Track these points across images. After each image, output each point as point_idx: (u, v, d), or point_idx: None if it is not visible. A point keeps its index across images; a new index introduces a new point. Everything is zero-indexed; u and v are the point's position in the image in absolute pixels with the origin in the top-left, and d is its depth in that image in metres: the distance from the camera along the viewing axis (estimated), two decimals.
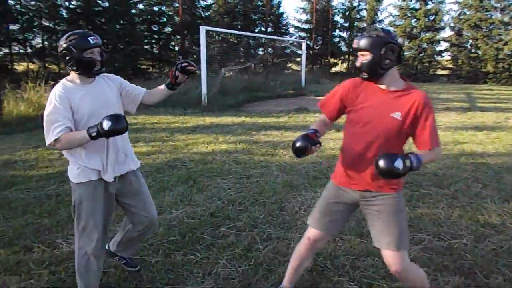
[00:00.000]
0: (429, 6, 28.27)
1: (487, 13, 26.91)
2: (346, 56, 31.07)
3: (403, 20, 28.89)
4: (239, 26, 24.13)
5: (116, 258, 2.67)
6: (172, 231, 3.29)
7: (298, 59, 26.10)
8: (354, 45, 1.97)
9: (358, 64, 1.96)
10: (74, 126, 2.09)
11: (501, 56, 26.26)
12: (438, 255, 2.95)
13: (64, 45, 2.08)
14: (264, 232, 3.31)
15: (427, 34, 28.38)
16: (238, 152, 6.03)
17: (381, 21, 30.26)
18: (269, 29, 26.66)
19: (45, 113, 2.07)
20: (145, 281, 2.60)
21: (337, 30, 30.66)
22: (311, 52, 28.23)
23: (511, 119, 9.80)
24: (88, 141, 2.03)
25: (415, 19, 28.58)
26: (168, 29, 22.41)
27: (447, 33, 29.29)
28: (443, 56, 29.79)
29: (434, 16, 28.15)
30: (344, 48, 30.87)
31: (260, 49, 24.21)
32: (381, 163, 1.77)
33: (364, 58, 1.92)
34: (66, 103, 2.06)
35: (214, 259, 2.88)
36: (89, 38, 2.09)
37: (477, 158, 5.77)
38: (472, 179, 4.77)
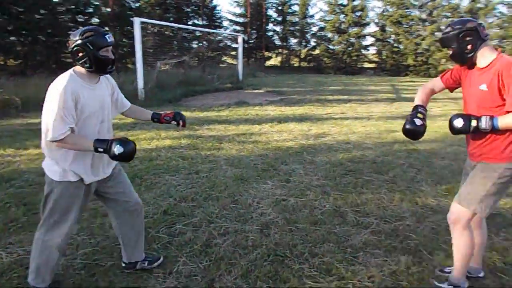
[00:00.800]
0: (355, 3, 29.74)
1: (407, 10, 29.01)
2: (280, 50, 31.71)
3: (333, 16, 30.12)
4: (171, 19, 23.48)
5: (138, 266, 2.61)
6: None
7: (233, 53, 26.12)
8: (441, 44, 2.27)
9: (449, 57, 2.26)
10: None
11: (420, 50, 28.54)
12: (386, 237, 3.16)
13: (79, 42, 2.01)
14: (221, 226, 3.30)
15: (354, 29, 29.88)
16: (183, 148, 5.90)
17: (312, 16, 31.31)
18: (203, 22, 26.30)
19: (53, 106, 1.96)
20: (102, 286, 2.46)
21: (270, 24, 31.15)
22: (246, 45, 28.33)
23: (433, 108, 10.71)
24: (88, 151, 2.05)
25: (343, 15, 29.93)
26: (95, 20, 21.10)
27: (372, 28, 31.16)
28: (369, 50, 31.63)
29: (360, 12, 29.70)
30: (278, 42, 31.46)
31: (195, 42, 23.82)
32: (450, 120, 2.17)
33: (451, 52, 2.22)
34: (74, 100, 2.00)
35: (173, 257, 2.81)
36: (106, 36, 2.05)
37: (409, 145, 6.23)
38: (407, 164, 5.15)
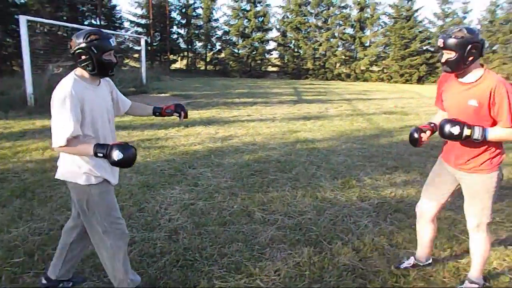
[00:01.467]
0: (258, 8, 30.78)
1: (305, 17, 30.94)
2: (185, 53, 31.36)
3: (237, 20, 30.76)
4: (65, 18, 21.70)
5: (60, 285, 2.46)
6: (16, 252, 2.84)
7: (135, 55, 25.08)
8: (439, 44, 2.17)
9: (443, 60, 2.20)
10: None
11: (318, 55, 30.73)
12: (290, 231, 3.34)
13: (83, 45, 1.99)
14: None
15: (258, 34, 30.88)
16: None
17: (216, 20, 31.53)
18: (101, 23, 24.78)
19: (58, 111, 1.96)
20: None
21: (175, 27, 30.62)
22: (149, 48, 27.49)
23: (330, 109, 11.60)
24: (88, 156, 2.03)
25: (247, 20, 30.75)
26: None
27: (274, 33, 32.42)
28: (272, 54, 32.96)
29: (262, 17, 30.82)
30: (183, 45, 31.06)
31: None
32: (445, 125, 2.19)
33: (449, 55, 2.16)
34: (79, 104, 1.98)
35: (75, 273, 2.61)
36: (110, 40, 2.04)
37: (309, 144, 6.67)
38: (308, 162, 5.50)
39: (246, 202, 3.95)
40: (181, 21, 30.61)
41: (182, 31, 30.92)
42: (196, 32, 30.80)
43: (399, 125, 8.86)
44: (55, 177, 2.20)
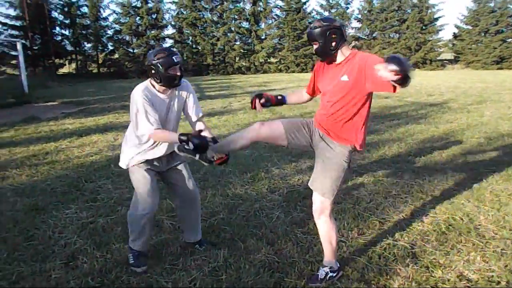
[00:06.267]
0: (150, 5, 29.61)
1: (200, 12, 30.65)
2: (74, 56, 28.86)
3: (128, 18, 29.20)
4: None
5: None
6: None
7: (13, 62, 22.29)
8: (306, 38, 2.39)
9: (314, 51, 2.37)
10: None
11: (217, 50, 30.73)
12: (203, 235, 3.17)
13: (153, 62, 2.44)
14: (12, 273, 2.70)
15: (152, 32, 29.77)
16: None
17: (105, 18, 29.57)
18: None
19: (136, 110, 2.47)
20: None
21: (57, 28, 27.91)
22: (29, 52, 24.69)
23: (234, 103, 11.63)
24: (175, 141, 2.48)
25: (139, 17, 29.39)
26: None
27: (170, 30, 31.59)
28: None
29: (156, 14, 29.75)
30: (69, 47, 28.53)
31: None
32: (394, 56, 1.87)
33: (316, 46, 2.33)
34: (151, 104, 2.49)
35: None
36: (173, 57, 2.46)
37: None
38: None
39: None
40: (64, 21, 28.04)
41: (66, 32, 28.33)
42: (84, 32, 28.49)
43: (299, 112, 9.21)
44: None
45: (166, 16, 30.80)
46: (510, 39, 31.29)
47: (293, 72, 30.38)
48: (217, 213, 3.63)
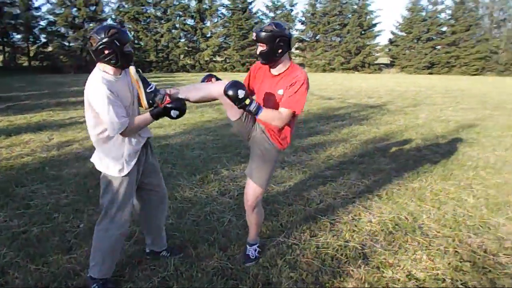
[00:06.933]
0: None
1: (143, 7, 29.57)
2: (0, 47, 26.49)
3: (63, 9, 27.37)
4: None
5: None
6: None
7: None
8: (253, 37, 2.35)
9: (258, 52, 2.38)
10: None
11: (160, 47, 29.84)
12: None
13: (106, 39, 2.13)
14: None
15: (91, 25, 28.14)
16: None
17: (38, 8, 27.50)
18: None
19: (101, 107, 2.13)
20: None
21: None
22: None
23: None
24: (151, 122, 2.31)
25: (76, 8, 27.63)
26: None
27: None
28: None
29: (95, 6, 28.19)
30: None
31: None
32: (231, 85, 2.19)
33: (262, 48, 2.34)
34: (115, 95, 2.17)
35: None
36: (127, 32, 2.25)
37: (161, 141, 6.30)
38: (162, 161, 5.15)
39: (94, 218, 3.40)
40: None
41: None
42: (12, 22, 26.23)
43: None
44: None
45: (106, 9, 29.36)
46: (439, 47, 33.77)
47: (239, 71, 30.38)
48: (166, 218, 3.44)
